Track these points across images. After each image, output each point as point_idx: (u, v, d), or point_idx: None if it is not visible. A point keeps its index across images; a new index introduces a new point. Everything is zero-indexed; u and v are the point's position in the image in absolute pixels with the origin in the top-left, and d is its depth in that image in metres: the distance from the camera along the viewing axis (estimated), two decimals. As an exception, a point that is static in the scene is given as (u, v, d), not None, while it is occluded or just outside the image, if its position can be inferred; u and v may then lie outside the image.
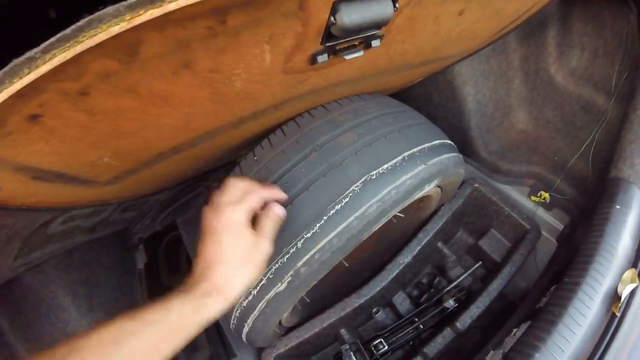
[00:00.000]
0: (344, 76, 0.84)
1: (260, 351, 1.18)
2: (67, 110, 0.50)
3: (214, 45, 0.50)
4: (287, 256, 0.81)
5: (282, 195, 0.78)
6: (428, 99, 1.55)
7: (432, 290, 1.33)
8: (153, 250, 1.65)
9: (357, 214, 0.81)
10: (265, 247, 0.69)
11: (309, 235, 0.79)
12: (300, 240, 0.80)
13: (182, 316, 0.57)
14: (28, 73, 0.39)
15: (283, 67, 0.63)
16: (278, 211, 0.73)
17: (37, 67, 0.39)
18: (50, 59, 0.39)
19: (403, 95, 1.49)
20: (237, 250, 0.65)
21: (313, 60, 0.65)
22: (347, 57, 0.67)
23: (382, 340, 1.22)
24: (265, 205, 0.74)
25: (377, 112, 0.96)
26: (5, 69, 0.39)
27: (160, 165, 0.89)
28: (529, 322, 1.01)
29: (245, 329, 0.94)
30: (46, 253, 1.16)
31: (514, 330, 1.03)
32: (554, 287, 1.07)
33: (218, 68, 0.55)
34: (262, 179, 0.87)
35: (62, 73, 0.42)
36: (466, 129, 1.52)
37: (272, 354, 1.14)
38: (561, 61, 1.48)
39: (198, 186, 1.72)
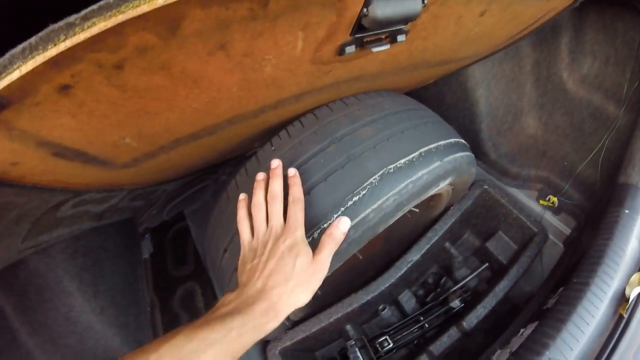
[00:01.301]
0: (366, 70, 0.84)
1: (265, 344, 1.18)
2: (100, 84, 0.50)
3: (252, 29, 0.50)
4: (303, 246, 0.81)
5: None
6: (440, 99, 1.56)
7: (438, 290, 1.34)
8: (159, 240, 1.65)
9: (375, 206, 0.81)
10: (324, 272, 0.69)
11: (326, 225, 0.80)
12: (316, 230, 0.80)
13: (243, 336, 0.58)
14: (64, 40, 0.38)
15: (312, 56, 0.64)
16: (343, 228, 0.72)
17: (75, 34, 0.38)
18: (90, 27, 0.38)
19: (416, 95, 1.50)
20: (297, 273, 0.65)
21: (341, 51, 0.65)
22: (374, 50, 0.67)
23: (387, 337, 1.22)
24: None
25: (394, 109, 0.97)
26: (41, 34, 0.38)
27: (177, 151, 0.89)
28: (536, 322, 1.02)
29: (255, 319, 0.94)
30: (54, 237, 1.16)
31: (522, 330, 1.04)
32: (562, 288, 1.08)
33: (251, 52, 0.55)
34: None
35: (100, 43, 0.41)
36: (477, 130, 1.53)
37: (278, 347, 1.14)
38: (573, 68, 1.49)
39: (206, 178, 1.72)
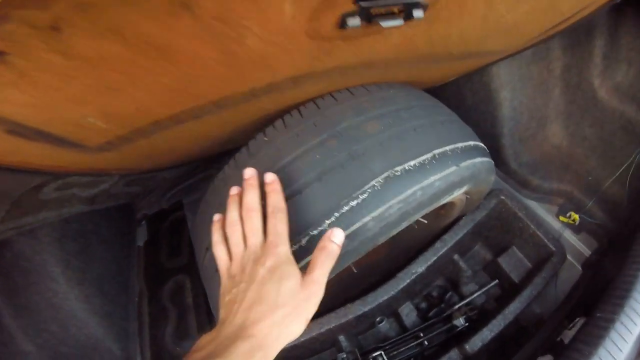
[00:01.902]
0: (377, 55, 0.70)
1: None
2: (38, 50, 0.39)
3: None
4: (288, 254, 0.67)
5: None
6: (460, 100, 1.40)
7: (442, 305, 1.19)
8: (156, 228, 1.54)
9: (375, 214, 0.67)
10: (319, 295, 0.55)
11: (315, 232, 0.66)
12: (304, 237, 0.66)
13: None
14: None
15: (307, 26, 0.50)
16: (338, 240, 0.58)
17: (-6, -16, 0.28)
18: None
19: (434, 94, 1.36)
20: (284, 300, 0.52)
21: (342, 22, 0.51)
22: (384, 25, 0.53)
23: (382, 352, 1.08)
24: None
25: (407, 103, 0.82)
26: None
27: (159, 136, 0.77)
28: (549, 356, 0.88)
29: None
30: (39, 219, 1.06)
31: (531, 362, 0.90)
32: (579, 319, 0.93)
33: (225, 15, 0.42)
34: (269, 164, 0.74)
35: None
36: (498, 135, 1.37)
37: (263, 354, 1.02)
38: (606, 75, 1.32)
39: (210, 167, 1.60)
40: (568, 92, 1.35)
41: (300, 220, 0.67)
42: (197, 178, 1.62)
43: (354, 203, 0.66)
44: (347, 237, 0.66)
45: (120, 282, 1.36)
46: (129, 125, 0.67)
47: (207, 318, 1.23)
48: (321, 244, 0.57)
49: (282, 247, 0.56)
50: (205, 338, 0.51)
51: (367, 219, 0.67)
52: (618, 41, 1.28)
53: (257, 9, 0.43)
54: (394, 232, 0.75)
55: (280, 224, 0.58)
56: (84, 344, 1.22)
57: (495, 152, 1.40)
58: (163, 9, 0.39)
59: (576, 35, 1.29)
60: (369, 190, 0.67)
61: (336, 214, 0.66)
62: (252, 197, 0.62)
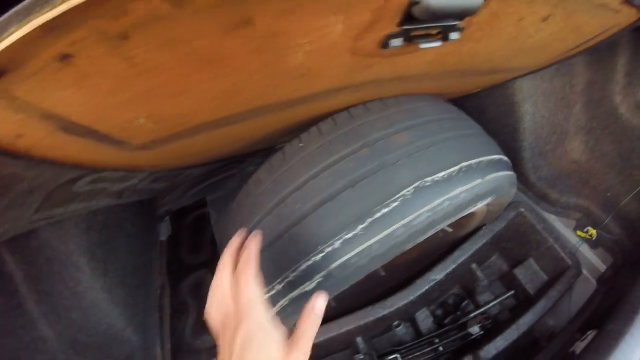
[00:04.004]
0: (410, 70, 0.74)
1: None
2: (104, 55, 0.42)
3: (277, 5, 0.40)
4: (321, 255, 0.71)
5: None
6: (482, 111, 1.42)
7: (457, 312, 1.22)
8: (178, 224, 1.58)
9: (405, 221, 0.70)
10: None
11: (349, 236, 0.70)
12: (338, 240, 0.70)
13: None
14: (61, 2, 0.32)
15: (352, 45, 0.53)
16: (321, 304, 0.53)
17: (73, -5, 0.32)
18: None
19: (456, 104, 1.39)
20: None
21: (385, 43, 0.55)
22: (422, 46, 0.57)
23: (398, 356, 1.11)
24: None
25: (436, 116, 0.86)
26: None
27: (197, 138, 0.81)
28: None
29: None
30: (69, 211, 1.11)
31: (543, 373, 0.92)
32: (591, 332, 0.95)
33: (283, 32, 0.46)
34: (303, 170, 0.78)
35: (101, 7, 0.35)
36: (518, 149, 1.39)
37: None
38: (627, 92, 1.33)
39: (233, 167, 1.64)
40: (589, 108, 1.36)
41: (333, 224, 0.70)
42: (221, 176, 1.65)
43: (385, 210, 0.70)
44: (377, 241, 0.70)
45: (141, 274, 1.40)
46: (173, 127, 0.71)
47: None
48: (313, 311, 0.52)
49: (254, 311, 0.51)
50: None
51: (397, 225, 0.70)
52: (640, 58, 1.29)
53: (314, 28, 0.46)
54: (421, 239, 0.78)
55: (245, 285, 0.54)
56: (103, 333, 1.25)
57: (515, 164, 1.42)
58: (219, 29, 0.42)
59: (599, 52, 1.30)
60: (400, 199, 0.70)
61: (368, 220, 0.70)
62: (221, 261, 0.59)
